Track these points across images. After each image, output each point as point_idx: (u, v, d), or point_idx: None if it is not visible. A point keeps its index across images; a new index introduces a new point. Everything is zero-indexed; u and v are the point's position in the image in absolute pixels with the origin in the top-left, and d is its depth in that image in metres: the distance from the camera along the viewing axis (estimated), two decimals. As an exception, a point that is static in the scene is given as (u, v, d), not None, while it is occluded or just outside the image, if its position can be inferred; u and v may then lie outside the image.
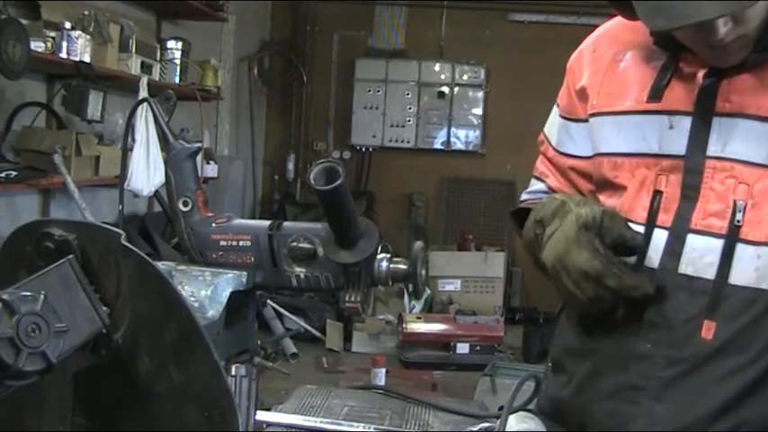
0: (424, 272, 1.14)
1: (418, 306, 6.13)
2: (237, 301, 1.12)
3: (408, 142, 7.36)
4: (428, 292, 6.33)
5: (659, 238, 1.19)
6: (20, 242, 0.90)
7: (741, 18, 1.08)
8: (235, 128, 7.00)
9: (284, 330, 5.31)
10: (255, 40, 7.42)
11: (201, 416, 0.83)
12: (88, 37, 3.87)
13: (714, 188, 1.16)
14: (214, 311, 1.06)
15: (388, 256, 1.13)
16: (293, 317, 5.75)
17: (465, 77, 7.33)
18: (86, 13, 3.96)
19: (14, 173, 3.62)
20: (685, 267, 1.17)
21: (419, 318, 5.61)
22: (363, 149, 7.44)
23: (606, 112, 1.28)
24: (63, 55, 3.73)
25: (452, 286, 6.54)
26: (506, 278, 6.80)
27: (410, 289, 1.15)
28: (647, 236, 1.20)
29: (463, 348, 5.39)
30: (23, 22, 3.46)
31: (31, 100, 4.05)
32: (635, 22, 1.19)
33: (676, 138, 1.19)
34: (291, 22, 7.63)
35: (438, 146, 7.39)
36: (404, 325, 5.43)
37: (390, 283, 1.13)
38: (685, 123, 1.18)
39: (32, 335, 0.77)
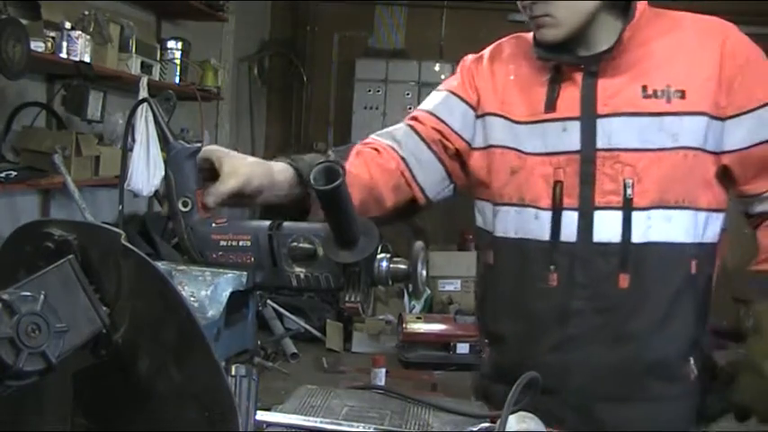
0: (424, 272, 1.14)
1: (418, 306, 6.13)
2: (237, 301, 1.12)
3: (408, 142, 7.36)
4: (428, 292, 6.33)
5: (570, 217, 1.50)
6: (20, 242, 0.90)
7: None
8: (235, 128, 7.00)
9: (284, 330, 5.31)
10: (255, 40, 7.42)
11: (201, 416, 0.83)
12: (88, 37, 3.87)
13: (606, 173, 1.47)
14: (214, 311, 1.06)
15: (388, 256, 1.13)
16: (293, 317, 5.75)
17: (465, 77, 7.32)
18: (86, 13, 3.96)
19: (14, 173, 3.62)
20: (597, 237, 1.48)
21: (419, 318, 5.61)
22: (363, 149, 7.44)
23: (505, 117, 1.57)
24: (63, 55, 3.73)
25: (452, 286, 6.53)
26: (506, 278, 6.80)
27: (410, 289, 1.15)
28: (557, 218, 1.50)
29: (463, 348, 5.39)
30: (23, 22, 3.46)
31: (31, 100, 4.05)
32: (522, 41, 1.65)
33: (570, 137, 1.49)
34: (291, 22, 7.63)
35: (438, 146, 7.38)
36: (404, 325, 5.43)
37: (390, 283, 1.13)
38: (576, 126, 1.49)
39: (32, 335, 0.76)
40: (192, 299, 1.06)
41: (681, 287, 1.49)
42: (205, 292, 1.08)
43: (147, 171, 4.18)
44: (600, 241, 1.48)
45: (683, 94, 1.46)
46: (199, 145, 1.22)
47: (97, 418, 0.90)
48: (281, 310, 5.65)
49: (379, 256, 1.12)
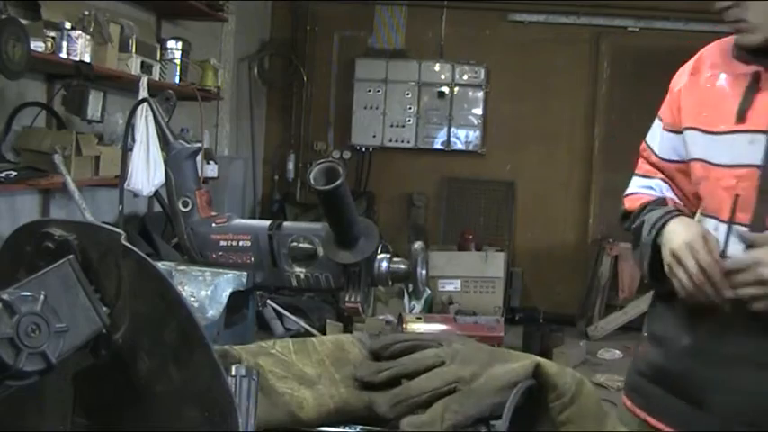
0: (424, 272, 1.14)
1: (418, 306, 6.12)
2: (237, 301, 1.12)
3: (408, 142, 7.36)
4: (428, 292, 6.33)
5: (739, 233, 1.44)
6: (20, 242, 0.90)
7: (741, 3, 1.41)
8: (235, 128, 6.99)
9: (284, 330, 5.30)
10: (255, 40, 7.42)
11: (201, 416, 0.83)
12: (88, 37, 3.87)
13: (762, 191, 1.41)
14: (214, 311, 1.07)
15: (388, 256, 1.13)
16: (293, 317, 5.75)
17: (465, 77, 7.33)
18: (86, 13, 3.96)
19: (14, 173, 3.62)
20: None
21: (419, 318, 5.60)
22: (363, 149, 7.43)
23: (702, 130, 1.54)
24: (63, 55, 3.72)
25: (452, 286, 6.53)
26: (506, 278, 6.80)
27: (410, 289, 1.16)
28: (729, 232, 1.46)
29: (463, 348, 5.38)
30: (23, 22, 3.46)
31: (31, 100, 4.05)
32: (725, 46, 1.54)
33: (755, 151, 1.43)
34: (291, 22, 7.62)
35: (438, 146, 7.38)
36: (404, 325, 5.42)
37: (390, 283, 1.13)
38: (762, 139, 1.43)
39: (32, 335, 0.76)
40: (192, 299, 1.06)
41: None
42: (205, 292, 1.08)
43: (147, 171, 4.18)
44: None
45: None
46: (198, 145, 1.22)
47: (97, 418, 0.90)
48: (281, 310, 5.65)
49: (379, 256, 1.12)
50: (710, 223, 1.51)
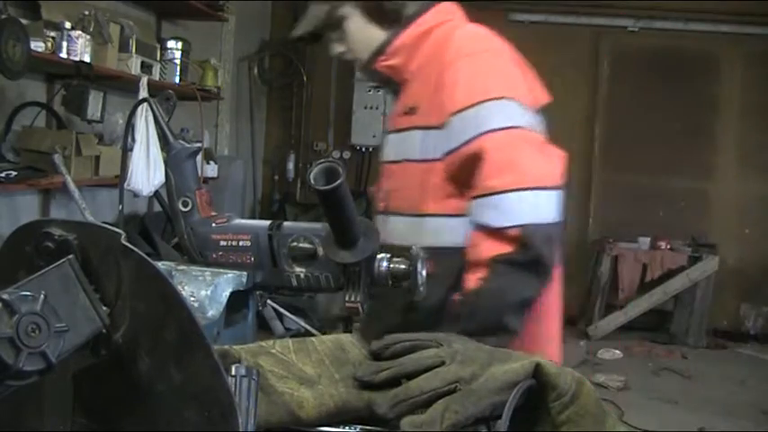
0: (424, 272, 1.14)
1: (418, 306, 6.12)
2: (237, 301, 1.12)
3: (408, 142, 7.35)
4: (428, 292, 6.32)
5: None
6: (20, 242, 0.90)
7: (344, 42, 1.87)
8: (235, 128, 6.99)
9: (284, 330, 5.29)
10: (255, 40, 7.42)
11: (201, 415, 0.83)
12: (88, 37, 3.87)
13: (383, 182, 1.76)
14: (214, 311, 1.06)
15: (388, 256, 1.13)
16: (293, 317, 5.75)
17: (465, 77, 7.32)
18: (86, 13, 3.96)
19: (14, 173, 3.62)
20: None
21: (419, 318, 5.60)
22: (363, 149, 7.43)
23: None
24: (63, 55, 3.72)
25: (452, 286, 6.52)
26: (506, 278, 6.79)
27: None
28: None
29: (463, 348, 5.37)
30: (23, 22, 3.46)
31: (31, 100, 4.05)
32: None
33: None
34: (291, 22, 7.62)
35: (438, 146, 7.37)
36: (404, 325, 5.42)
37: (390, 283, 1.13)
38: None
39: (32, 335, 0.76)
40: (192, 299, 1.06)
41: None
42: (205, 292, 1.08)
43: (147, 171, 4.18)
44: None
45: (415, 110, 1.66)
46: (198, 145, 1.22)
47: (97, 417, 0.90)
48: (281, 310, 5.64)
49: (379, 256, 1.12)
50: None
